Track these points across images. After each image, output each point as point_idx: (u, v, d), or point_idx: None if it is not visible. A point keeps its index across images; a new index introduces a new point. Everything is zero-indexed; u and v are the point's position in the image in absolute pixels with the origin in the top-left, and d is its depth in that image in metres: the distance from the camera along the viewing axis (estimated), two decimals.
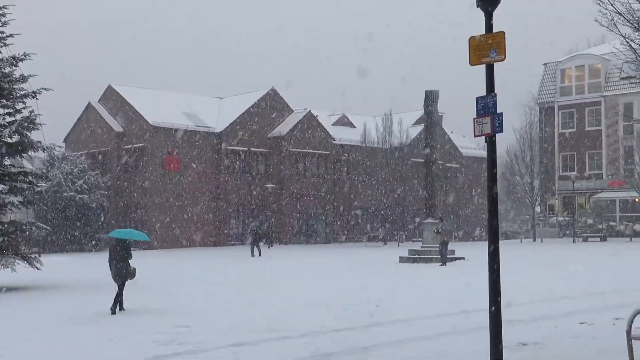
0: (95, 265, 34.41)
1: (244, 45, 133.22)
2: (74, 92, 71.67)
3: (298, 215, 58.02)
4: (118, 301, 16.00)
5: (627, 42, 10.53)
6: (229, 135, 55.32)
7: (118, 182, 53.77)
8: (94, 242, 49.49)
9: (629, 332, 8.37)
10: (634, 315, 8.43)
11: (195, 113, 55.55)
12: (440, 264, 29.99)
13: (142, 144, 52.46)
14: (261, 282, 23.46)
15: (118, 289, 16.17)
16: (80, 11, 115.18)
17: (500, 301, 8.20)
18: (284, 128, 57.63)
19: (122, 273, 16.24)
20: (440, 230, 30.95)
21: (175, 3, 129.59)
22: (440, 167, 54.66)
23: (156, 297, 19.27)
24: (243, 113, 56.45)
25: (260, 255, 38.62)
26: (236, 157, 56.12)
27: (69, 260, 37.88)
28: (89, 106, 56.66)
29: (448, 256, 30.45)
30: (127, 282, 16.45)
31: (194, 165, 53.74)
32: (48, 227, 26.86)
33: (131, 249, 16.66)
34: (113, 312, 15.69)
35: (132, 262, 16.64)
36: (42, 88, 23.25)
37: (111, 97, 55.90)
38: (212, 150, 54.89)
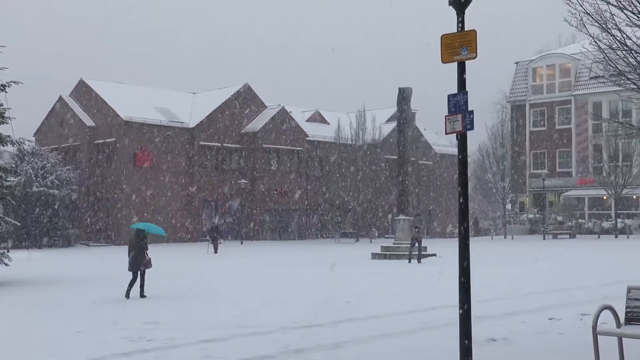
0: (64, 261, 34.18)
1: (218, 41, 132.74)
2: (46, 85, 70.87)
3: (271, 211, 57.96)
4: (140, 286, 17.62)
5: (595, 42, 10.66)
6: (202, 131, 55.11)
7: (89, 178, 53.33)
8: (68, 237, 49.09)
9: (594, 327, 8.48)
10: (600, 311, 8.53)
11: (168, 108, 55.28)
12: (408, 261, 29.77)
13: (114, 139, 52.08)
14: (231, 278, 23.41)
15: (132, 276, 17.72)
16: (53, 4, 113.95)
17: (469, 297, 8.26)
18: (257, 124, 57.53)
19: (138, 262, 17.73)
20: (419, 226, 30.82)
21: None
22: (413, 164, 54.87)
23: (123, 293, 19.12)
24: (216, 108, 56.28)
25: (215, 252, 38.05)
26: (209, 153, 55.92)
27: (39, 255, 37.51)
28: (60, 100, 56.10)
29: (419, 252, 30.25)
30: (137, 272, 17.83)
31: (166, 161, 53.45)
32: (17, 223, 26.57)
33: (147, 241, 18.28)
34: (127, 297, 17.35)
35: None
36: (12, 81, 22.95)
37: (83, 91, 55.41)
38: (185, 145, 54.65)
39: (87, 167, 53.48)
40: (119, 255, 37.25)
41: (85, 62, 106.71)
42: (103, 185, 52.75)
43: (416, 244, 30.20)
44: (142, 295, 17.54)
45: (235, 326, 12.83)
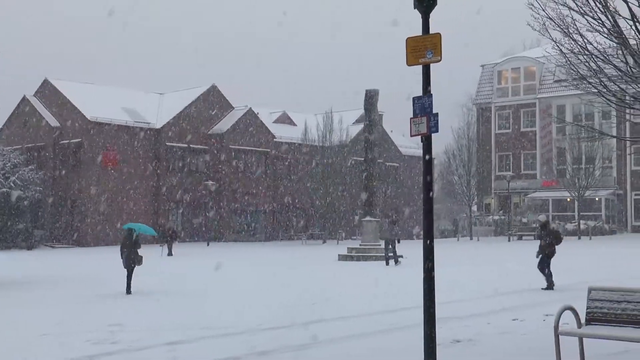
0: (26, 262, 33.75)
1: (185, 41, 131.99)
2: (9, 85, 69.90)
3: (238, 212, 57.80)
4: (129, 283, 18.92)
5: (557, 46, 10.81)
6: (169, 132, 54.79)
7: (54, 178, 52.72)
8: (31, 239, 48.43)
9: (556, 327, 8.60)
10: (561, 312, 8.67)
11: (134, 109, 54.87)
12: (386, 263, 28.98)
13: (79, 139, 51.56)
14: (196, 280, 23.31)
15: (127, 273, 19.02)
16: (18, 2, 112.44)
17: (434, 298, 8.33)
18: (224, 125, 57.35)
19: (130, 260, 19.06)
20: (396, 228, 30.23)
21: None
22: (380, 165, 55.10)
23: (91, 295, 18.98)
24: (183, 109, 56.00)
25: (169, 255, 37.38)
26: (176, 154, 55.60)
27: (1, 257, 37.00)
28: (23, 100, 55.37)
29: (394, 254, 29.40)
30: (134, 268, 19.16)
31: (132, 162, 53.05)
32: None
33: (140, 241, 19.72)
34: (128, 293, 18.74)
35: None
36: None
37: (47, 91, 54.76)
38: (152, 146, 54.29)
39: (52, 167, 52.87)
40: (84, 257, 36.98)
41: (51, 61, 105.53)
42: (68, 185, 52.17)
43: (390, 246, 29.29)
44: (128, 291, 18.82)
45: (202, 328, 12.79)
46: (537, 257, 18.95)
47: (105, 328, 12.89)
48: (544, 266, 18.70)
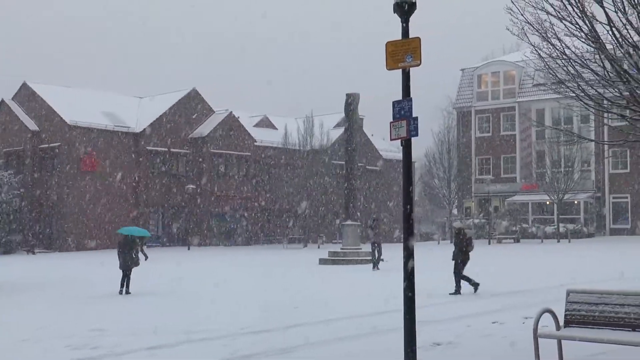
0: (6, 267, 33.44)
1: (166, 45, 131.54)
2: None
3: (219, 216, 57.65)
4: (125, 284, 19.87)
5: (536, 50, 10.91)
6: (149, 135, 54.57)
7: (33, 183, 52.31)
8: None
9: (535, 330, 8.68)
10: (540, 315, 8.74)
11: (114, 112, 54.60)
12: (372, 267, 28.50)
13: (58, 144, 51.21)
14: (178, 284, 23.22)
15: (123, 274, 19.93)
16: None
17: (414, 302, 8.37)
18: (205, 129, 57.21)
19: (127, 262, 20.00)
20: (376, 230, 30.05)
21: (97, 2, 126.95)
22: (361, 169, 55.18)
23: (73, 300, 18.87)
24: (163, 113, 55.79)
25: (145, 259, 36.94)
26: (156, 158, 55.39)
27: None
28: (2, 103, 54.90)
29: (377, 257, 28.84)
30: (133, 269, 20.21)
31: (112, 166, 52.76)
32: None
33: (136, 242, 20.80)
34: (120, 293, 19.72)
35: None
36: None
37: (26, 94, 54.32)
38: (132, 150, 54.04)
39: (30, 172, 52.46)
40: (64, 262, 36.71)
41: (29, 65, 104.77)
42: (47, 190, 51.80)
43: (374, 249, 28.92)
44: (127, 292, 19.88)
45: (183, 332, 12.75)
46: (453, 260, 19.02)
47: (86, 333, 12.82)
48: (459, 271, 18.72)
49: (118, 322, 14.47)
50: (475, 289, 18.48)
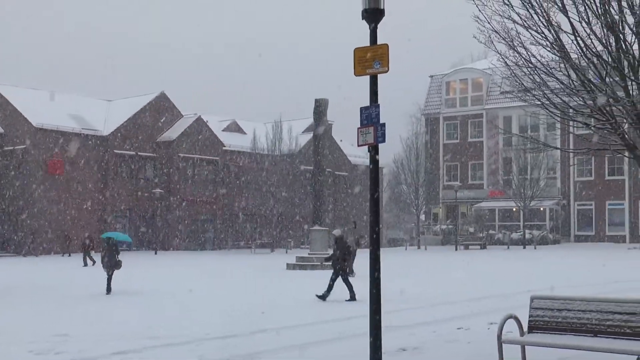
0: None
1: (134, 49, 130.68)
2: None
3: (187, 221, 57.35)
4: (109, 285, 21.11)
5: (502, 59, 11.02)
6: (117, 139, 54.14)
7: None
8: None
9: (499, 336, 8.75)
10: (504, 321, 8.82)
11: (81, 115, 54.07)
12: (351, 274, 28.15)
13: (24, 146, 50.56)
14: (145, 289, 23.04)
15: (107, 275, 21.19)
16: None
17: (380, 307, 8.40)
18: (173, 133, 56.92)
19: (110, 264, 21.29)
20: (356, 235, 29.59)
21: (65, 3, 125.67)
22: (329, 175, 55.27)
23: (38, 304, 18.63)
24: (132, 116, 55.42)
25: (93, 264, 35.73)
26: (124, 161, 54.96)
27: None
28: None
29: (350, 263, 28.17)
30: (115, 272, 21.36)
31: (79, 169, 52.22)
32: None
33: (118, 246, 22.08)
34: (107, 293, 20.98)
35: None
36: None
37: None
38: (99, 153, 53.55)
39: None
40: (29, 266, 36.21)
41: None
42: (12, 193, 51.09)
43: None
44: (108, 292, 21.05)
45: (149, 337, 12.65)
46: (326, 262, 19.08)
47: (50, 338, 12.66)
48: (346, 277, 18.71)
49: (84, 327, 14.31)
50: (323, 299, 18.30)
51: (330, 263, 19.16)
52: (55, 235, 49.99)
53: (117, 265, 21.57)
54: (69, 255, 46.50)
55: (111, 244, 21.83)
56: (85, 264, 36.25)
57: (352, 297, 18.45)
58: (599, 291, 18.33)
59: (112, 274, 21.44)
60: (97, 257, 28.91)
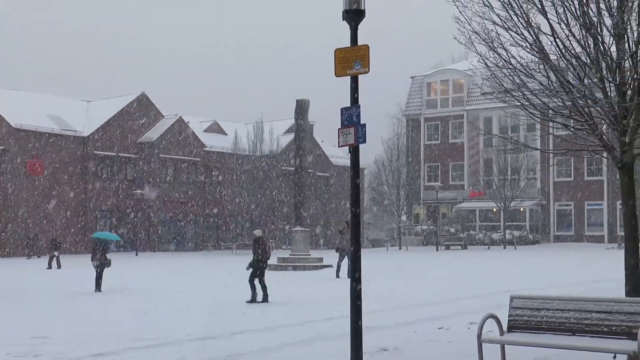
0: None
1: (115, 49, 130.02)
2: None
3: (167, 222, 57.13)
4: (98, 283, 22.01)
5: (483, 60, 11.08)
6: (97, 140, 53.83)
7: None
8: None
9: (479, 335, 8.80)
10: (484, 320, 8.87)
11: (60, 116, 53.70)
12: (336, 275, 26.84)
13: (2, 147, 50.12)
14: (125, 291, 22.93)
15: (96, 273, 22.03)
16: None
17: (360, 308, 8.42)
18: (154, 133, 56.68)
19: (101, 262, 22.13)
20: (347, 236, 28.83)
21: (44, 2, 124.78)
22: (311, 175, 55.28)
23: (15, 306, 18.47)
24: (112, 117, 55.13)
25: (57, 267, 34.87)
26: (104, 162, 54.67)
27: None
28: None
29: (338, 265, 27.15)
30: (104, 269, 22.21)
31: (58, 170, 51.86)
32: None
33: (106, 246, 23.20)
34: (97, 291, 21.85)
35: None
36: None
37: None
38: (79, 154, 53.21)
39: None
40: (8, 268, 35.87)
41: None
42: None
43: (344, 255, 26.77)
44: (99, 290, 21.90)
45: (129, 339, 12.59)
46: (248, 269, 18.99)
47: (29, 340, 12.55)
48: (253, 279, 18.70)
49: (63, 329, 14.20)
50: (252, 301, 18.28)
51: (251, 264, 18.97)
52: (34, 236, 49.50)
53: (107, 263, 22.41)
54: (38, 257, 45.89)
55: (101, 243, 22.85)
56: (50, 267, 35.15)
57: (253, 299, 18.36)
58: (577, 291, 18.48)
59: (101, 272, 22.19)
60: (70, 258, 28.83)
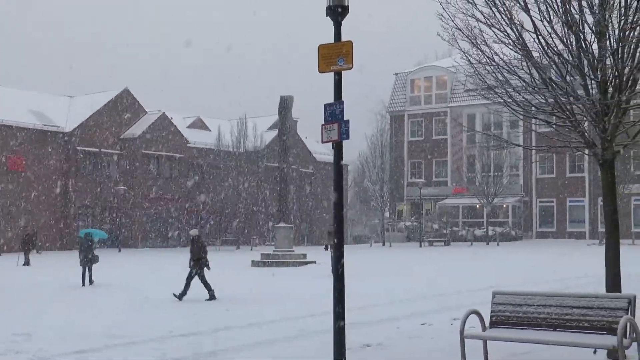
0: None
1: (98, 44, 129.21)
2: None
3: (150, 218, 56.93)
4: (88, 277, 22.92)
5: (466, 56, 11.10)
6: (79, 135, 53.53)
7: None
8: None
9: (462, 331, 8.84)
10: (467, 316, 8.91)
11: (42, 111, 53.35)
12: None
13: None
14: (108, 286, 22.83)
15: (83, 270, 22.91)
16: None
17: (344, 304, 8.43)
18: (137, 129, 56.45)
19: (87, 259, 22.98)
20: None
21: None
22: (294, 172, 55.26)
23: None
24: (94, 113, 54.86)
25: (28, 264, 34.04)
26: (87, 158, 54.37)
27: None
28: None
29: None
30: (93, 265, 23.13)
31: (40, 166, 51.53)
32: None
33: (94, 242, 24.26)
34: (83, 285, 22.57)
35: None
36: None
37: None
38: (61, 150, 52.90)
39: None
40: None
41: None
42: None
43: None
44: (91, 282, 22.91)
45: (111, 336, 12.53)
46: (189, 267, 19.00)
47: (10, 337, 12.46)
48: (191, 278, 18.64)
49: (46, 325, 14.12)
50: (211, 298, 18.26)
51: (190, 263, 18.95)
52: (15, 232, 49.17)
53: (94, 259, 23.22)
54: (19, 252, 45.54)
55: (87, 240, 23.67)
56: (26, 262, 34.28)
57: (212, 297, 18.32)
58: (558, 286, 18.59)
59: (90, 268, 23.07)
60: (52, 255, 28.89)
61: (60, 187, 52.76)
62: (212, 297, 18.38)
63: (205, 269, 18.78)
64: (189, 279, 18.69)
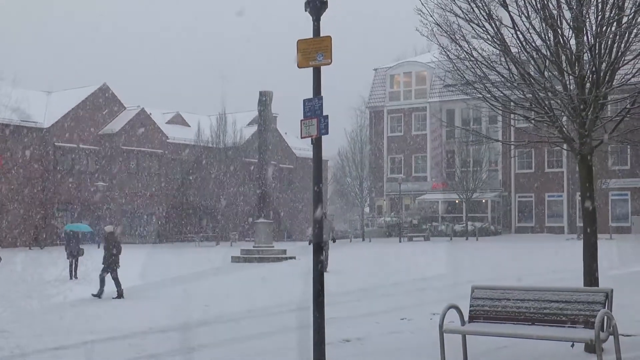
0: None
1: (76, 38, 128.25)
2: None
3: (129, 214, 56.64)
4: (74, 271, 23.85)
5: (445, 52, 11.13)
6: (58, 131, 53.11)
7: None
8: None
9: (441, 326, 8.87)
10: (446, 311, 8.95)
11: (19, 107, 52.80)
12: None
13: None
14: (86, 283, 22.68)
15: (70, 263, 23.83)
16: None
17: (323, 299, 8.43)
18: (116, 125, 56.12)
19: (73, 253, 23.97)
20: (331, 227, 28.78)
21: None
22: (274, 167, 55.15)
23: None
24: (73, 108, 54.47)
25: None
26: (65, 154, 53.97)
27: None
28: None
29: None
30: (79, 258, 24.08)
31: (17, 162, 51.08)
32: None
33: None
34: (70, 279, 23.31)
35: None
36: None
37: None
38: (39, 146, 52.46)
39: None
40: None
41: None
42: None
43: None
44: (75, 277, 23.66)
45: (88, 332, 12.46)
46: (103, 264, 18.93)
47: None
48: (104, 274, 18.54)
49: (23, 322, 14.02)
50: (119, 297, 18.10)
51: (104, 260, 18.83)
52: None
53: (80, 252, 24.25)
54: None
55: (74, 235, 25.27)
56: None
57: (99, 294, 18.19)
58: (537, 281, 18.70)
59: (76, 261, 24.06)
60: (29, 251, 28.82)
61: (39, 184, 52.33)
62: (120, 295, 18.09)
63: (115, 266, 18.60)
64: (111, 276, 18.46)
